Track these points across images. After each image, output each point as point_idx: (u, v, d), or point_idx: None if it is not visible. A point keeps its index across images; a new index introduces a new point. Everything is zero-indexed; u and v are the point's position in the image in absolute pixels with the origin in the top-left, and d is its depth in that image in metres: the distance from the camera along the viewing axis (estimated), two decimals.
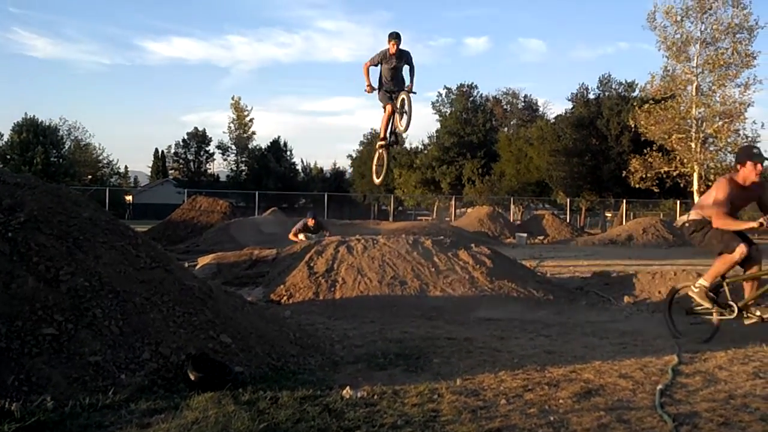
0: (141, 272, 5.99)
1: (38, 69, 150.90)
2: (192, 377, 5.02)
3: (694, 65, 38.07)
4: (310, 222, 17.19)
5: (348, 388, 5.08)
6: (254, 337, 6.18)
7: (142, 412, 4.46)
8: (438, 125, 64.22)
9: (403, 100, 10.41)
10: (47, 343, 4.86)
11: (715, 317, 7.47)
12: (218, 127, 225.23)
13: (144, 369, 5.04)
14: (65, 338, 4.95)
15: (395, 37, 10.12)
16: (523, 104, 68.94)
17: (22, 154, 56.32)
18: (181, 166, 74.78)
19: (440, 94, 65.61)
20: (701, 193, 39.57)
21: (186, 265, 11.71)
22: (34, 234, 5.61)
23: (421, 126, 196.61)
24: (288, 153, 72.47)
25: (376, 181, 12.17)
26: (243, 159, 72.62)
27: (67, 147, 63.98)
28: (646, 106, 39.37)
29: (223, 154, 73.42)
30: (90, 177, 64.70)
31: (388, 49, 10.28)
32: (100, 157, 69.23)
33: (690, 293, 7.72)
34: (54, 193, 6.43)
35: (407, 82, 10.57)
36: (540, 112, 66.62)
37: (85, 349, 4.95)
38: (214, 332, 5.78)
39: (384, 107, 10.74)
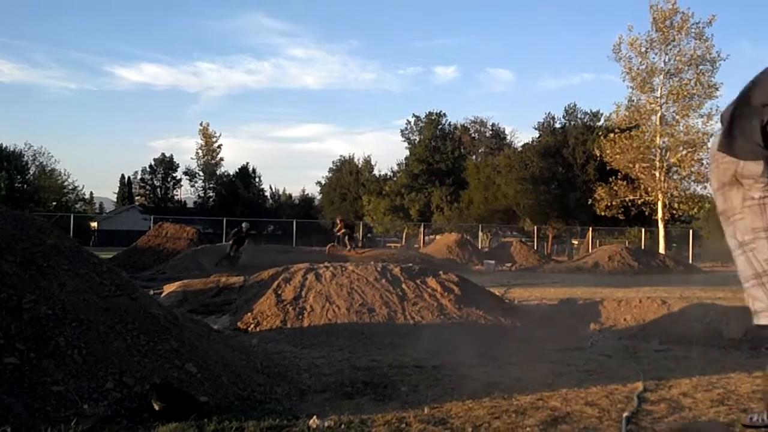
0: (105, 300, 5.91)
1: (3, 94, 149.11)
2: (156, 407, 4.94)
3: (658, 96, 38.88)
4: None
5: (315, 417, 5.04)
6: (220, 366, 6.12)
7: None
8: (407, 152, 64.64)
9: None
10: (8, 372, 4.76)
11: None
12: (186, 153, 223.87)
13: (107, 399, 4.95)
14: (27, 367, 4.86)
15: None
16: (490, 133, 69.79)
17: None
18: (148, 192, 74.13)
19: (409, 122, 66.29)
20: (666, 222, 40.38)
21: (151, 292, 11.58)
22: None
23: (390, 153, 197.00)
24: (257, 179, 72.36)
25: None
26: (211, 185, 72.28)
27: (31, 173, 63.15)
28: (611, 135, 40.02)
29: (190, 181, 73.05)
30: (55, 203, 63.70)
31: None
32: (65, 183, 68.25)
33: None
34: (17, 220, 6.35)
35: None
36: (507, 141, 67.48)
37: (48, 379, 4.86)
38: (179, 361, 5.71)
39: None
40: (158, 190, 73.36)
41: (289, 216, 60.77)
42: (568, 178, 48.78)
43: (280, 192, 79.54)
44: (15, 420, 4.47)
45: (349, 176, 67.49)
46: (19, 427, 4.41)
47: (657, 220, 40.23)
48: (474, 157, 65.59)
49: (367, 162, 68.70)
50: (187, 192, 75.30)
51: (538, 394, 6.11)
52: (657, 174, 38.96)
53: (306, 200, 77.67)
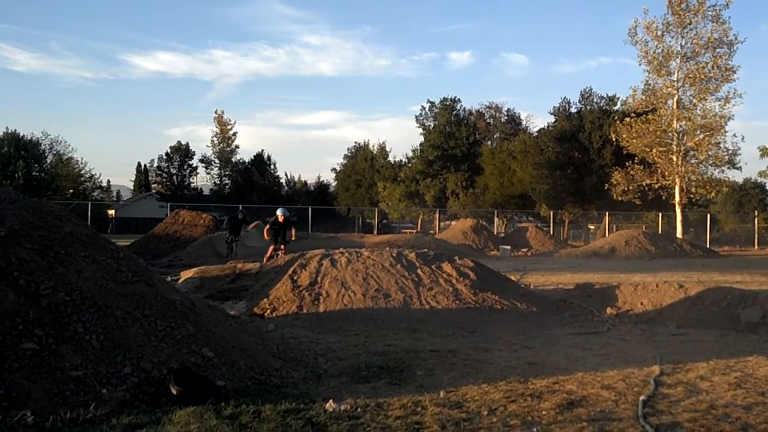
0: (122, 286, 5.95)
1: (21, 83, 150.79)
2: (174, 391, 4.98)
3: (675, 79, 38.45)
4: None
5: (331, 401, 5.07)
6: (237, 350, 6.15)
7: (123, 427, 4.42)
8: (422, 138, 64.39)
9: None
10: (27, 357, 4.81)
11: None
12: (202, 141, 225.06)
13: (125, 383, 5.00)
14: (46, 353, 4.91)
15: None
16: (506, 118, 69.25)
17: (3, 169, 55.72)
18: (164, 179, 74.43)
19: (424, 108, 65.84)
20: (683, 206, 40.06)
21: (168, 279, 11.65)
22: (15, 248, 5.57)
23: (405, 139, 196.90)
24: (272, 166, 72.43)
25: None
26: (226, 173, 72.52)
27: (48, 161, 63.41)
28: (628, 119, 39.64)
29: (206, 168, 73.29)
30: (72, 191, 64.01)
31: None
32: (82, 171, 68.58)
33: None
34: (35, 208, 6.39)
35: None
36: (523, 126, 66.97)
37: (66, 364, 4.90)
38: (196, 346, 5.75)
39: None
40: (174, 177, 73.61)
41: (304, 203, 60.90)
42: (584, 163, 48.42)
43: (296, 179, 79.62)
44: (34, 404, 4.53)
45: (364, 163, 67.27)
46: (39, 411, 4.46)
47: (674, 205, 39.89)
48: (489, 142, 65.12)
49: (382, 148, 68.44)
50: (203, 179, 75.66)
51: (554, 377, 6.11)
52: (674, 158, 38.59)
53: (321, 187, 77.60)
